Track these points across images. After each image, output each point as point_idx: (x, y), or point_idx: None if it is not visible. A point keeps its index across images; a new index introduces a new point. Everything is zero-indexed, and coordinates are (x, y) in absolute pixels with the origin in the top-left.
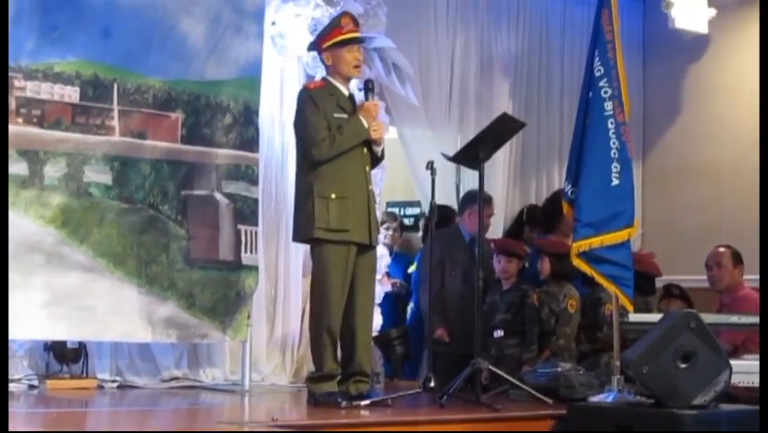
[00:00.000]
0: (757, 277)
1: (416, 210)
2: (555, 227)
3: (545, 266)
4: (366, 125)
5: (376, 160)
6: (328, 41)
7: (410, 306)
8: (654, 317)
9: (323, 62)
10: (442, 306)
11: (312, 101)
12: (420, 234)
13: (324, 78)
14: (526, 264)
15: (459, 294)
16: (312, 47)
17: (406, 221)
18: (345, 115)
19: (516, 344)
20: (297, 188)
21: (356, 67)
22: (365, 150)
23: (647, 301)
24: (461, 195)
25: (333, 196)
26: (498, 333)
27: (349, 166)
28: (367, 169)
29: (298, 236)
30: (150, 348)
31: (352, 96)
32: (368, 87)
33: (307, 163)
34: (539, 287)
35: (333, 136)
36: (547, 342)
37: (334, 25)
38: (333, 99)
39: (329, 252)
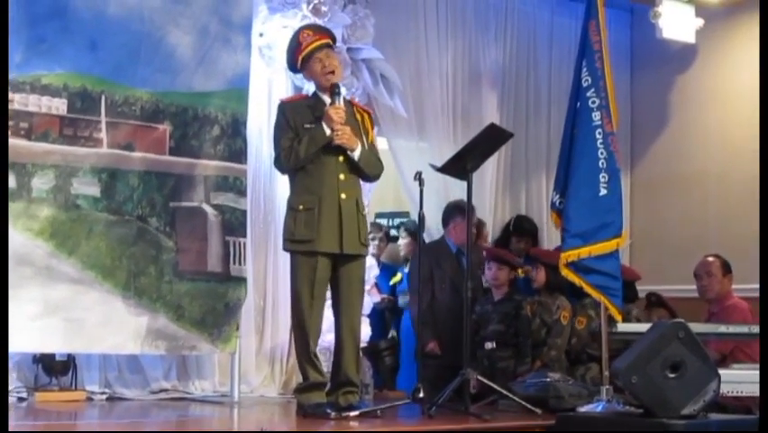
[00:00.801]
0: (745, 286)
1: (405, 220)
2: None
3: (540, 276)
4: (328, 131)
5: (359, 167)
6: (297, 61)
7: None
8: (643, 327)
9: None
10: (432, 319)
11: (282, 114)
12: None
13: (314, 92)
14: (520, 274)
15: (448, 306)
16: (291, 70)
17: (395, 232)
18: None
19: (509, 356)
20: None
21: (329, 73)
22: (341, 158)
23: (629, 309)
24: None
25: (301, 207)
26: (490, 345)
27: (319, 175)
28: (342, 177)
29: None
30: (139, 360)
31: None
32: (333, 92)
33: (288, 177)
34: (531, 297)
35: (291, 146)
36: (537, 353)
37: (293, 46)
38: (308, 111)
39: (296, 263)
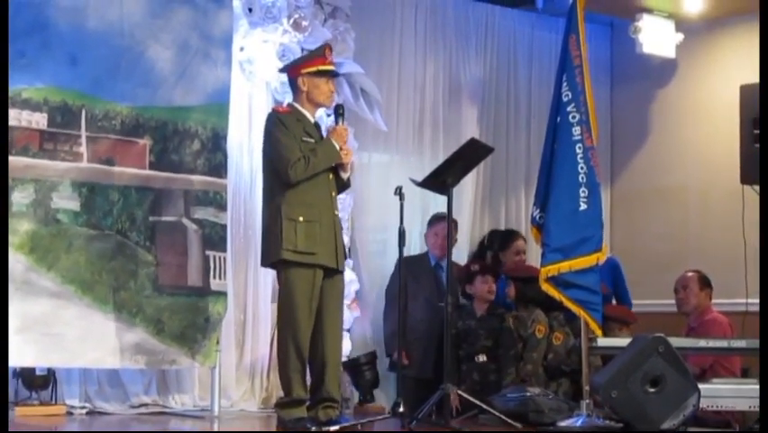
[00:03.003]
0: (727, 301)
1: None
2: None
3: (510, 290)
4: (338, 148)
5: (342, 186)
6: (310, 67)
7: None
8: (623, 341)
9: (294, 86)
10: (402, 331)
11: (282, 123)
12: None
13: (289, 105)
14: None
15: (419, 318)
16: (286, 69)
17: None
18: (313, 140)
19: (499, 369)
20: (264, 213)
21: (330, 97)
22: (331, 175)
23: None
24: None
25: (301, 219)
26: (482, 358)
27: (315, 191)
28: (333, 194)
29: (266, 260)
30: (119, 374)
31: (317, 124)
32: (338, 113)
33: (277, 187)
34: (510, 311)
35: (307, 157)
36: (515, 368)
37: (318, 54)
38: (300, 125)
39: (295, 275)
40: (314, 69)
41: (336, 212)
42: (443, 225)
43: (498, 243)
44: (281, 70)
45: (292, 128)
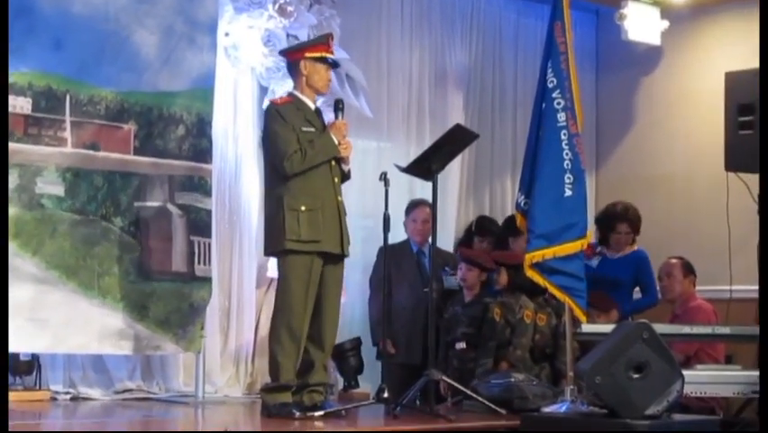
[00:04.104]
0: (712, 288)
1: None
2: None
3: (503, 277)
4: (336, 142)
5: (343, 177)
6: (314, 52)
7: None
8: (607, 327)
9: (294, 71)
10: (387, 319)
11: (280, 115)
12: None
13: (290, 94)
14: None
15: (404, 305)
16: (286, 52)
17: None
18: (313, 129)
19: (476, 357)
20: (266, 203)
21: (327, 85)
22: (333, 162)
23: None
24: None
25: (303, 208)
26: (461, 345)
27: (318, 179)
28: (336, 180)
29: (270, 249)
30: (104, 360)
31: (318, 111)
32: (338, 107)
33: (277, 178)
34: (496, 298)
35: (304, 150)
36: (503, 353)
37: (322, 41)
38: (300, 114)
39: (293, 261)
40: (317, 54)
41: (340, 198)
42: (420, 210)
43: (513, 228)
44: (281, 52)
45: (291, 119)
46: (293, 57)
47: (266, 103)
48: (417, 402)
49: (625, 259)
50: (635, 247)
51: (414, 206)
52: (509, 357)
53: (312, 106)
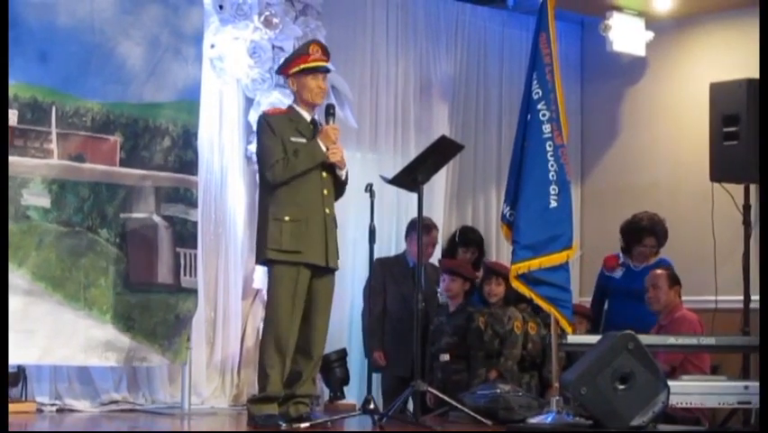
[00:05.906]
0: (698, 298)
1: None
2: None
3: (501, 288)
4: (324, 149)
5: (340, 185)
6: (293, 67)
7: None
8: (593, 338)
9: (288, 87)
10: (381, 330)
11: (268, 126)
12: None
13: (289, 106)
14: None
15: (398, 318)
16: (278, 71)
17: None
18: (303, 140)
19: (462, 369)
20: (258, 213)
21: (318, 94)
22: (324, 174)
23: None
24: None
25: (287, 218)
26: (444, 357)
27: (305, 189)
28: (325, 192)
29: (258, 259)
30: (90, 372)
31: (314, 122)
32: (328, 112)
33: (266, 188)
34: (483, 309)
35: (287, 159)
36: (491, 364)
37: (301, 53)
38: (292, 125)
39: (279, 272)
40: (297, 68)
41: (328, 210)
42: (430, 236)
43: None
44: (276, 72)
45: (280, 130)
46: (282, 75)
47: (252, 115)
48: (408, 413)
49: (649, 269)
50: (659, 256)
51: (426, 228)
52: (500, 368)
53: (308, 118)
